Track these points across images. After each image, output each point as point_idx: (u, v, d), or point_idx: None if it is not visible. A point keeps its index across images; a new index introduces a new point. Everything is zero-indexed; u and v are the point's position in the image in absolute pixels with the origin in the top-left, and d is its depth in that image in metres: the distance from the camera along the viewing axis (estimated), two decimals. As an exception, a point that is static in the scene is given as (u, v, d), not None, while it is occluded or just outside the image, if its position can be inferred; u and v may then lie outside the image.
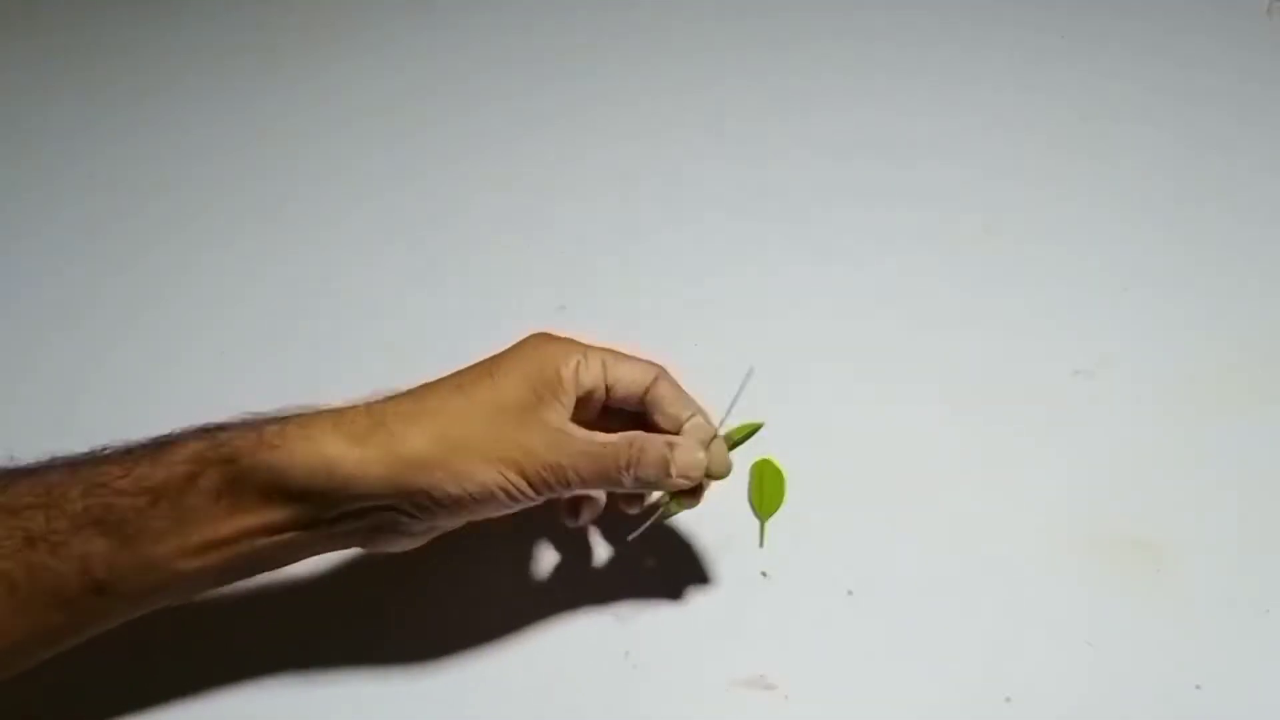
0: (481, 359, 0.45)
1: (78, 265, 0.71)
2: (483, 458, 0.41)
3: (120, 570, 0.40)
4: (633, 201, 0.73)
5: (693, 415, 0.47)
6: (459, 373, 0.45)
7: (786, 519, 0.54)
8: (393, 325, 0.65)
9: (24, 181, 0.77)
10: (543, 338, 0.46)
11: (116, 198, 0.76)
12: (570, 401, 0.45)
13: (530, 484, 0.42)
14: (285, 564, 0.44)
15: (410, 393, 0.44)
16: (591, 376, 0.45)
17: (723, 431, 0.58)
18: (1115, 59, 0.82)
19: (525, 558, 0.54)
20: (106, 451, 0.43)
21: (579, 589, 0.52)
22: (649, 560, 0.53)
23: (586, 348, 0.46)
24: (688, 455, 0.45)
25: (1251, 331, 0.63)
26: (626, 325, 0.64)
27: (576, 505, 0.50)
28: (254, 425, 0.42)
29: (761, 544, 0.54)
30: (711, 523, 0.55)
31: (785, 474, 0.56)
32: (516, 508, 0.44)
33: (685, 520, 0.55)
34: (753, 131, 0.78)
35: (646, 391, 0.46)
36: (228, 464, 0.41)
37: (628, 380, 0.46)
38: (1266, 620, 0.50)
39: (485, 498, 0.42)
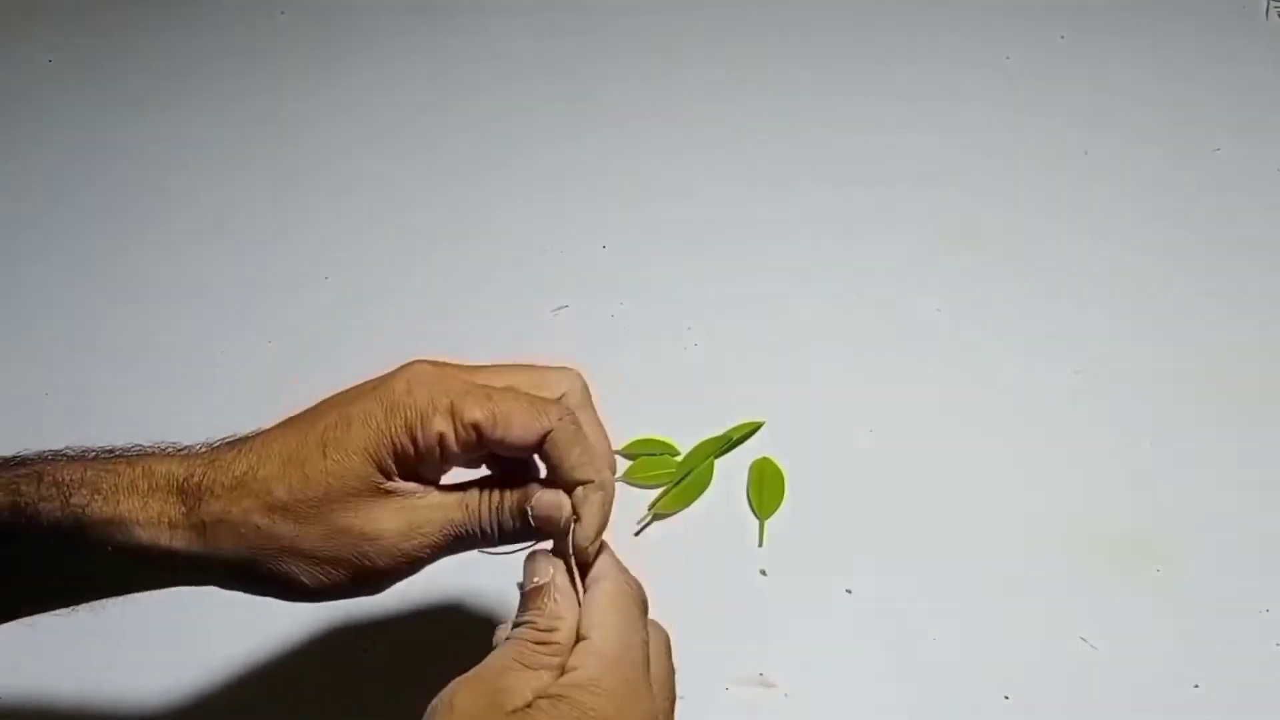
0: (329, 407, 0.38)
1: (80, 273, 0.71)
2: (309, 561, 0.36)
3: None
4: (635, 205, 0.73)
5: (587, 483, 0.38)
6: (298, 437, 0.37)
7: (786, 518, 0.55)
8: (395, 325, 0.66)
9: (25, 181, 0.77)
10: (407, 384, 0.38)
11: (118, 203, 0.76)
12: (432, 470, 0.38)
13: (370, 579, 0.37)
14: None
15: (239, 457, 0.37)
16: (461, 444, 0.37)
17: (721, 429, 0.58)
18: (1115, 62, 0.82)
19: (522, 558, 0.53)
20: None
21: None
22: (648, 559, 0.53)
23: (460, 403, 0.37)
24: (546, 498, 0.38)
25: (1251, 332, 0.63)
26: (626, 326, 0.65)
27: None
28: (60, 485, 0.37)
29: (761, 543, 0.54)
30: (711, 522, 0.55)
31: (785, 473, 0.56)
32: (364, 594, 0.38)
33: (685, 519, 0.55)
34: (756, 139, 0.77)
35: (541, 445, 0.38)
36: (31, 529, 0.37)
37: (512, 441, 0.37)
38: (1265, 620, 0.50)
39: (322, 594, 0.37)
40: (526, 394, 0.39)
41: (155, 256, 0.71)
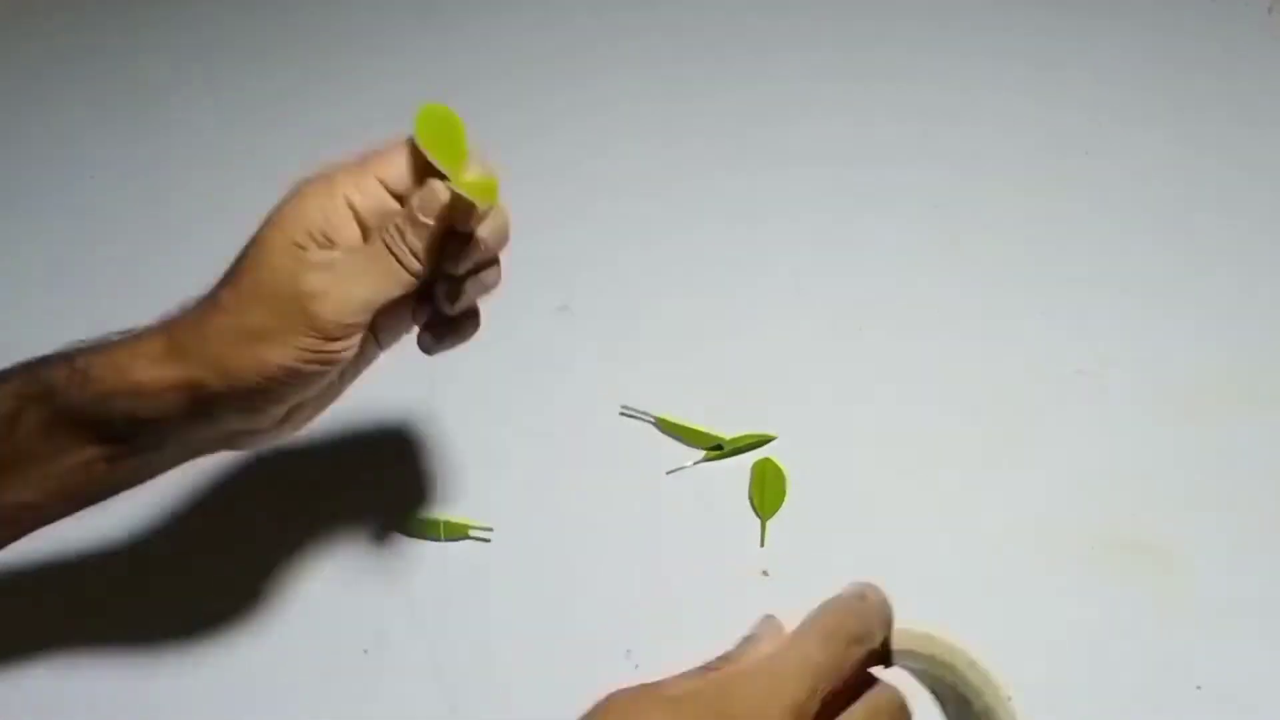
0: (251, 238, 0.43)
1: (78, 267, 0.71)
2: (268, 342, 0.40)
3: None
4: (638, 204, 0.73)
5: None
6: (233, 267, 0.43)
7: (787, 518, 0.55)
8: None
9: (25, 179, 0.77)
10: (299, 188, 0.43)
11: (119, 202, 0.76)
12: (353, 235, 0.42)
13: (327, 336, 0.41)
14: (135, 484, 0.45)
15: (197, 304, 0.43)
16: (370, 197, 0.43)
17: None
18: (1116, 59, 0.82)
19: (525, 558, 0.54)
20: None
21: (580, 588, 0.52)
22: (650, 560, 0.53)
23: (355, 172, 0.44)
24: (425, 189, 0.43)
25: (1253, 332, 0.63)
26: (629, 327, 0.65)
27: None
28: (69, 357, 0.42)
29: (763, 543, 0.54)
30: (713, 522, 0.55)
31: (786, 473, 0.56)
32: (336, 356, 0.42)
33: (685, 520, 0.55)
34: (756, 136, 0.77)
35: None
36: (46, 400, 0.41)
37: (399, 176, 0.44)
38: (1267, 622, 0.50)
39: (288, 376, 0.41)
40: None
41: (156, 256, 0.71)
